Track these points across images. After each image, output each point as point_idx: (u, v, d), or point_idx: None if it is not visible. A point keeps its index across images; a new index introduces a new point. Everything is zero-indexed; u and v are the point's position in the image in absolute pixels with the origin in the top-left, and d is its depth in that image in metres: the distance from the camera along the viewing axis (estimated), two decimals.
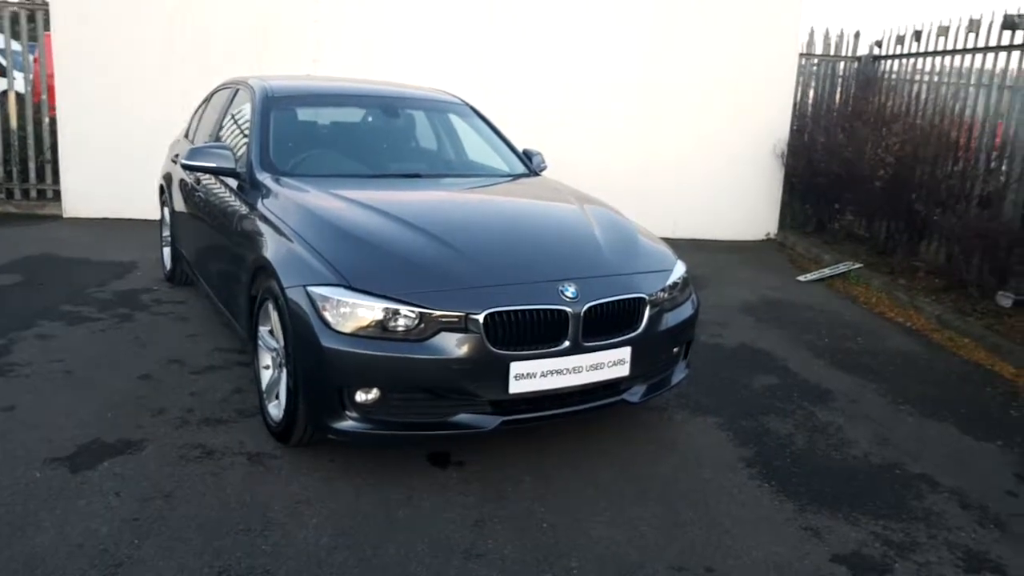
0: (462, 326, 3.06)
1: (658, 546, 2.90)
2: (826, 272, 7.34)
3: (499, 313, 3.09)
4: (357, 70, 7.47)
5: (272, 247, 3.56)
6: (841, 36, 9.44)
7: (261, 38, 8.00)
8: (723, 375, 4.61)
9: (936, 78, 7.83)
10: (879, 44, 8.96)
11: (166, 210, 5.99)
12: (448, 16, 8.25)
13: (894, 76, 8.59)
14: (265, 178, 4.09)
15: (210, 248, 4.67)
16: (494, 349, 3.08)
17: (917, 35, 8.07)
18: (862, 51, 9.30)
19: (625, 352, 3.34)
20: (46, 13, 8.05)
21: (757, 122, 8.79)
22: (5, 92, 8.52)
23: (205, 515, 2.93)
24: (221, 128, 5.07)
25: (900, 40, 8.43)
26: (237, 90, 5.06)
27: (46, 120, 8.39)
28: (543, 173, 5.05)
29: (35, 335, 4.69)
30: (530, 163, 5.06)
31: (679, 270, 3.79)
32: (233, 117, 4.96)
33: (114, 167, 8.03)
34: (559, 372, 3.19)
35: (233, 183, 4.31)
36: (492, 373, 3.10)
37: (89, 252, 6.74)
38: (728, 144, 8.77)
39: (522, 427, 3.37)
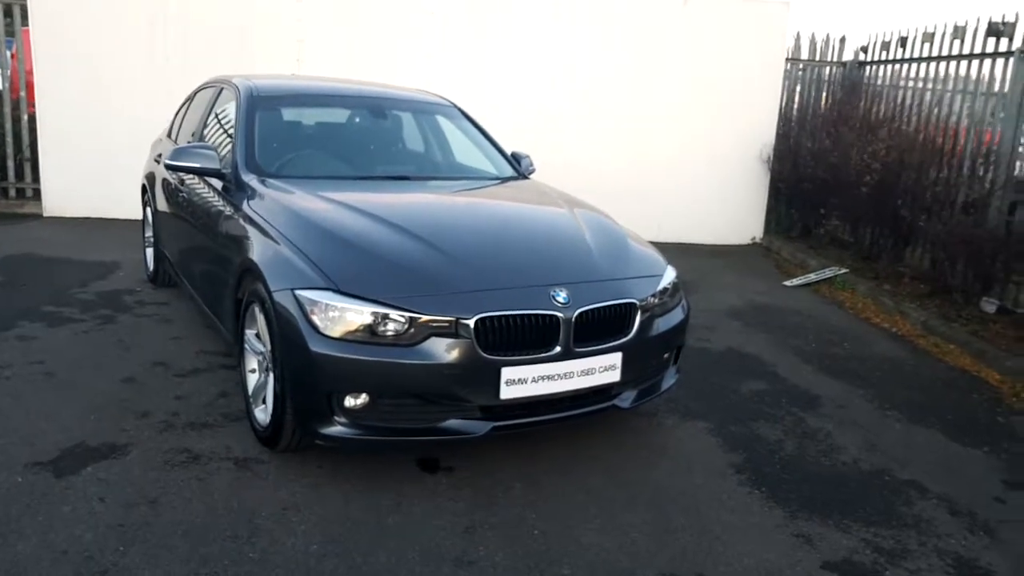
0: (452, 331, 3.03)
1: (649, 552, 2.88)
2: (812, 277, 7.37)
3: (490, 318, 3.07)
4: (341, 70, 7.40)
5: (259, 250, 3.52)
6: (827, 41, 9.49)
7: (243, 37, 7.92)
8: (712, 380, 4.61)
9: (921, 84, 7.88)
10: (864, 50, 9.02)
11: (149, 210, 5.92)
12: (432, 15, 8.19)
13: (879, 82, 8.65)
14: (251, 179, 4.04)
15: (194, 249, 4.61)
16: (485, 354, 3.05)
17: (903, 41, 8.13)
18: (848, 56, 9.36)
19: (616, 358, 3.32)
20: (23, 8, 7.92)
21: (743, 126, 8.81)
22: None
23: (191, 521, 2.88)
24: (205, 127, 5.01)
25: (886, 46, 8.48)
26: (221, 89, 5.00)
27: (25, 117, 8.28)
28: (532, 176, 5.03)
29: (16, 336, 4.62)
30: (519, 166, 5.03)
31: (669, 275, 3.78)
32: (217, 117, 4.91)
33: (95, 166, 7.92)
34: (550, 378, 3.17)
35: (218, 184, 4.26)
36: (483, 378, 3.08)
37: (71, 252, 6.65)
38: (714, 148, 8.78)
39: (513, 433, 3.34)
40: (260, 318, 3.38)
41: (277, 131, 4.59)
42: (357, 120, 5.09)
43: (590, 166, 8.23)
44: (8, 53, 8.62)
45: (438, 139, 5.20)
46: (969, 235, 6.16)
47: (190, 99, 5.69)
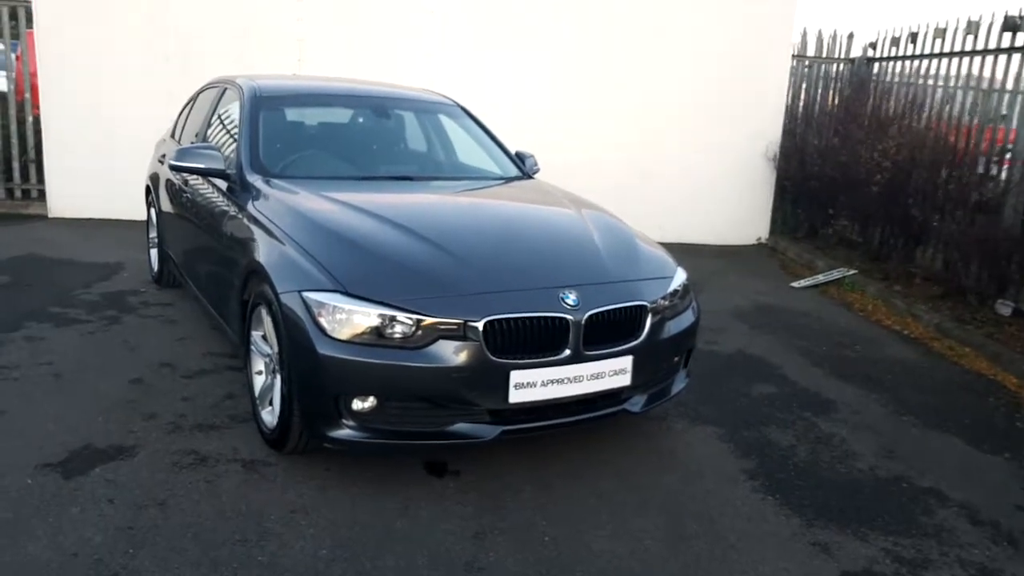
0: (461, 334, 2.99)
1: (663, 559, 2.83)
2: (820, 278, 7.30)
3: (498, 321, 3.02)
4: (342, 69, 7.37)
5: (265, 251, 3.48)
6: (834, 37, 9.42)
7: (243, 37, 7.87)
8: (721, 383, 4.56)
9: (932, 81, 7.80)
10: (873, 46, 8.94)
11: (152, 211, 5.88)
12: (432, 14, 8.13)
13: (889, 79, 8.56)
14: (255, 180, 4.01)
15: (199, 250, 4.57)
16: (493, 357, 3.00)
17: (913, 37, 8.05)
18: (855, 53, 9.27)
19: (626, 361, 3.27)
20: (28, 10, 7.90)
21: (748, 124, 8.73)
22: None
23: (200, 524, 2.85)
24: (208, 128, 4.98)
25: (895, 42, 8.41)
26: (225, 89, 4.96)
27: (29, 119, 8.25)
28: (536, 176, 4.98)
29: (23, 337, 4.59)
30: (523, 165, 4.99)
31: (680, 277, 3.73)
32: (220, 117, 4.87)
33: (99, 167, 7.88)
34: (560, 381, 3.12)
35: (222, 184, 4.22)
36: (491, 382, 3.03)
37: (75, 253, 6.63)
38: (718, 146, 8.69)
39: (522, 437, 3.29)
40: (267, 320, 3.34)
41: (281, 131, 4.55)
42: (361, 120, 5.05)
43: (592, 165, 8.13)
44: (13, 55, 8.59)
45: (442, 138, 5.16)
46: (984, 235, 6.07)
47: (193, 99, 5.66)
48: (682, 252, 7.25)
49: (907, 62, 8.26)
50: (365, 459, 3.35)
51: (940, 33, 7.59)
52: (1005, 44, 6.77)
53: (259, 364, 3.53)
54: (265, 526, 2.86)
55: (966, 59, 7.31)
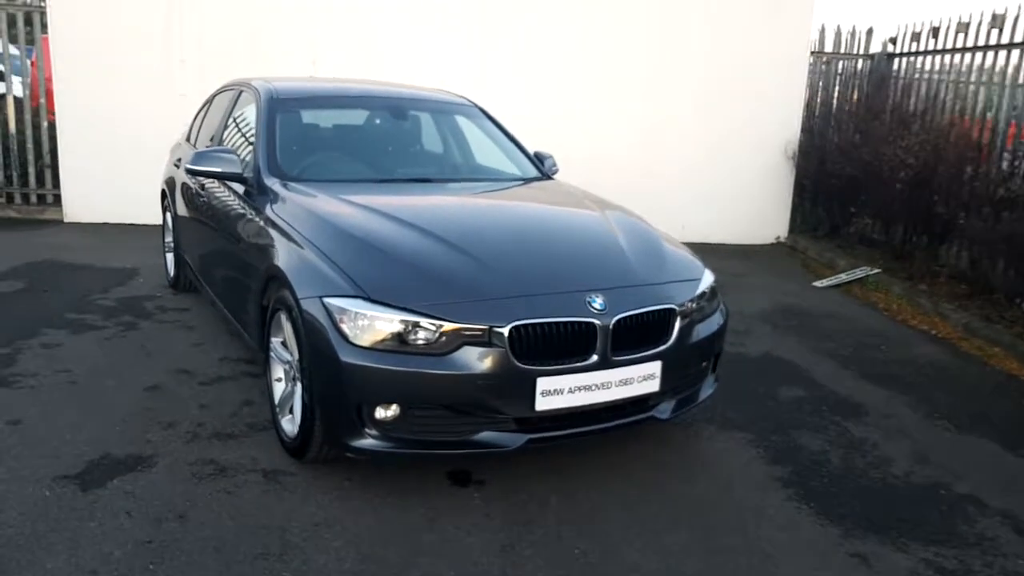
0: (486, 340, 2.91)
1: (698, 573, 2.74)
2: (843, 277, 7.18)
3: (524, 326, 2.94)
4: (356, 70, 7.31)
5: (284, 256, 3.41)
6: (853, 33, 9.29)
7: (257, 39, 7.82)
8: (748, 387, 4.45)
9: (955, 76, 7.66)
10: (893, 41, 8.80)
11: (168, 215, 5.83)
12: (446, 14, 8.06)
13: (910, 74, 8.43)
14: (273, 183, 3.95)
15: (216, 255, 4.52)
16: (519, 364, 2.93)
17: (935, 32, 7.92)
18: (875, 49, 9.13)
19: (655, 366, 3.19)
20: (43, 15, 7.89)
21: (767, 122, 8.60)
22: (3, 96, 8.35)
23: (221, 537, 2.79)
24: (225, 131, 4.92)
25: (916, 37, 8.27)
26: (240, 92, 4.91)
27: (45, 124, 8.23)
28: (555, 176, 4.89)
29: (40, 344, 4.55)
30: (542, 166, 4.90)
31: (708, 279, 3.64)
32: (236, 120, 4.82)
33: (114, 171, 7.86)
34: (587, 388, 3.04)
35: (239, 188, 4.17)
36: (517, 389, 2.96)
37: (91, 258, 6.59)
38: (737, 144, 8.57)
39: (548, 446, 3.21)
40: (287, 326, 3.28)
41: (298, 134, 4.49)
42: (378, 121, 4.99)
43: (609, 164, 8.02)
44: (28, 61, 8.58)
45: (460, 140, 5.09)
46: (1011, 232, 5.94)
47: (209, 102, 5.61)
48: (702, 252, 7.15)
49: (929, 57, 8.12)
50: (387, 468, 3.28)
51: (963, 27, 7.46)
52: None
53: (279, 371, 3.47)
54: (288, 539, 2.80)
55: (990, 53, 7.17)
